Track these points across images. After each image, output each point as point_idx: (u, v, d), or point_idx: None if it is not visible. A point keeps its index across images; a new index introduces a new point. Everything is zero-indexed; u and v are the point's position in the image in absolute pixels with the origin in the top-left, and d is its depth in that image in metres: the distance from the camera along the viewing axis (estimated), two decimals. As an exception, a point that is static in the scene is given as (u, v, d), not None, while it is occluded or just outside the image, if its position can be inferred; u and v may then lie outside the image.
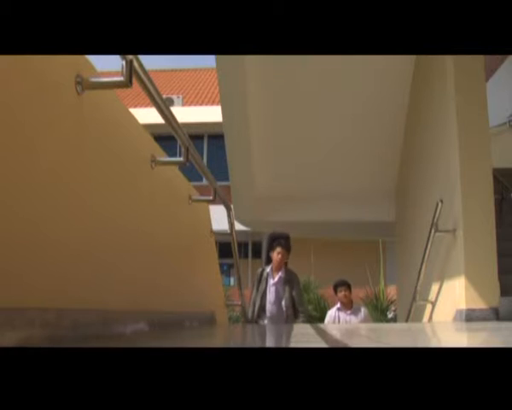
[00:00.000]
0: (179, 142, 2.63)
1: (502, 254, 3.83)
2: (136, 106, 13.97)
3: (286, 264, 5.17)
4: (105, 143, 1.95)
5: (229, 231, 4.43)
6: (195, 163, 2.96)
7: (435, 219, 4.31)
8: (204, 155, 15.35)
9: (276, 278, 5.04)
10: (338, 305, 5.83)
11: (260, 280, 5.15)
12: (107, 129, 1.98)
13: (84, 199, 1.74)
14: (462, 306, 3.80)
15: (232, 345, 1.97)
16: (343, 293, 5.71)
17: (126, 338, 1.89)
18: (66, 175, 1.61)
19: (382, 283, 9.40)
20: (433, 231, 4.33)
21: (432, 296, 4.64)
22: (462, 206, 3.94)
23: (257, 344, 1.97)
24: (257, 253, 14.89)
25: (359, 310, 5.84)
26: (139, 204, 2.36)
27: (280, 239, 5.10)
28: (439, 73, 4.63)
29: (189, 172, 3.24)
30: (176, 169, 3.13)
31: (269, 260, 5.18)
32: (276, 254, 5.07)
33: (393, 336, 2.35)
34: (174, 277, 2.96)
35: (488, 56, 5.49)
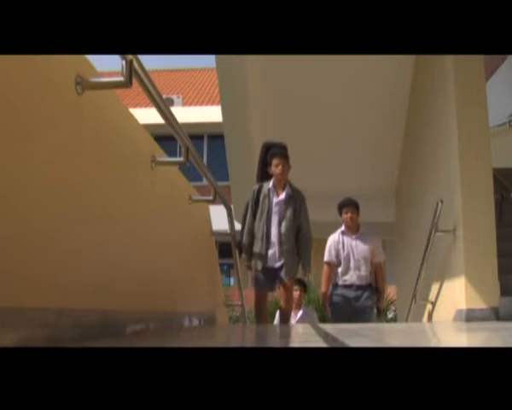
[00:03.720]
0: (179, 142, 2.63)
1: (502, 254, 3.83)
2: (136, 106, 13.96)
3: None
4: (105, 144, 1.95)
5: (229, 231, 4.43)
6: (195, 163, 2.96)
7: (435, 219, 4.31)
8: (204, 155, 15.34)
9: (283, 195, 4.04)
10: (342, 228, 4.84)
11: (257, 200, 4.07)
12: (107, 129, 1.98)
13: (84, 199, 1.74)
14: (462, 306, 3.80)
15: (232, 345, 1.97)
16: (349, 215, 4.72)
17: (126, 338, 1.89)
18: (66, 175, 1.61)
19: (382, 283, 9.38)
20: (433, 231, 4.34)
21: (432, 296, 4.63)
22: (462, 206, 3.94)
23: (257, 344, 1.97)
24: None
25: (368, 235, 4.81)
26: (139, 204, 2.36)
27: (274, 149, 4.13)
28: (439, 72, 4.63)
29: (189, 172, 3.24)
30: (176, 169, 3.13)
31: (264, 176, 4.20)
32: (275, 167, 4.07)
33: (393, 336, 2.35)
34: (174, 277, 2.96)
35: (488, 56, 5.49)
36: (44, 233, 1.46)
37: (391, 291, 9.45)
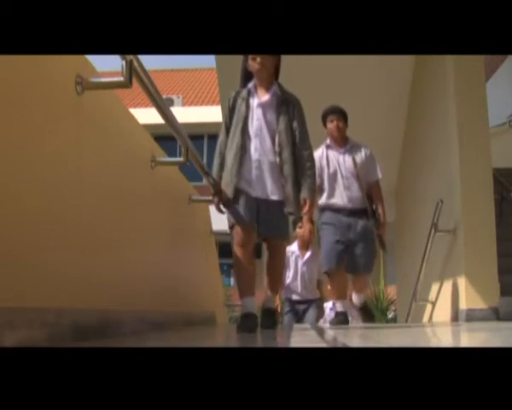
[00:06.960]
0: (179, 142, 2.63)
1: (502, 254, 3.84)
2: (136, 106, 13.97)
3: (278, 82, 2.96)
4: (105, 144, 1.95)
5: (229, 231, 4.43)
6: (195, 163, 2.96)
7: (435, 219, 4.31)
8: (204, 155, 15.34)
9: (267, 96, 2.84)
10: (327, 141, 3.84)
11: (234, 108, 2.86)
12: (107, 129, 1.98)
13: (84, 199, 1.74)
14: (463, 306, 3.80)
15: (232, 345, 1.97)
16: (335, 123, 3.77)
17: (126, 338, 1.89)
18: (66, 175, 1.61)
19: (382, 283, 9.38)
20: (433, 231, 4.34)
21: (432, 296, 4.64)
22: (462, 206, 3.94)
23: (256, 344, 1.97)
24: (257, 251, 14.84)
25: (358, 148, 3.80)
26: (139, 204, 2.36)
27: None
28: (439, 73, 4.63)
29: (189, 172, 3.24)
30: (176, 169, 3.13)
31: (247, 81, 2.93)
32: (252, 61, 2.81)
33: (393, 336, 2.35)
34: (174, 276, 2.96)
35: (488, 56, 5.49)
36: (44, 233, 1.46)
37: (391, 291, 9.45)
